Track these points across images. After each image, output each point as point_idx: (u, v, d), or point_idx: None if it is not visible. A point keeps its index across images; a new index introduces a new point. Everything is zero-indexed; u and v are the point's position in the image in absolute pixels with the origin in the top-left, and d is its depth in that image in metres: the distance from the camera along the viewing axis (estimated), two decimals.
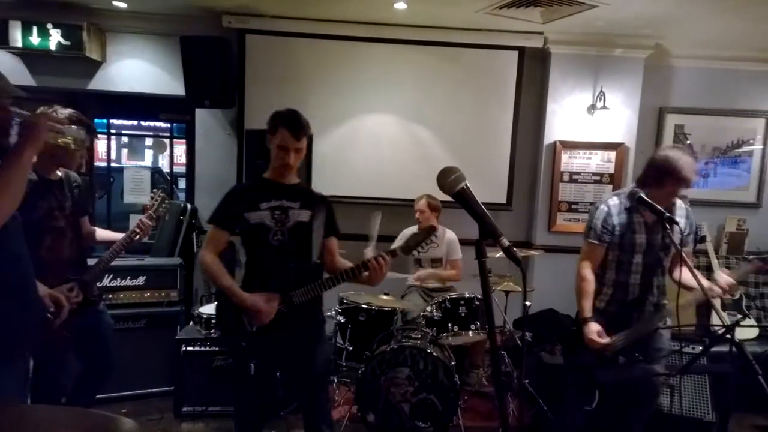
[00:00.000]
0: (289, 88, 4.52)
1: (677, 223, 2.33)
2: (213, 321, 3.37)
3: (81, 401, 2.70)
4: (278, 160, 2.37)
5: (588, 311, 2.58)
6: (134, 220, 2.84)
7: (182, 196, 5.90)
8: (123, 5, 4.26)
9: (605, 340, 2.46)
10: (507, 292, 3.77)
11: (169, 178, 6.19)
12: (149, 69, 4.63)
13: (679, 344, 3.18)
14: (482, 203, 1.43)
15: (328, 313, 3.60)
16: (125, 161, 9.62)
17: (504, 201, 4.71)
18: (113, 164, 6.18)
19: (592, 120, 4.63)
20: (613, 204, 2.59)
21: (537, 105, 4.79)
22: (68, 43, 4.25)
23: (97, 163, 5.52)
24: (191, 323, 3.71)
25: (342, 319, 3.61)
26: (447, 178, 1.41)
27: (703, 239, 4.38)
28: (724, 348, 2.21)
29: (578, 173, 4.69)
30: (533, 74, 4.72)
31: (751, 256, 2.57)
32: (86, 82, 4.59)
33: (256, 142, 3.81)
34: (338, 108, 4.60)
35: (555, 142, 4.66)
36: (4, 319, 1.65)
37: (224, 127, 4.74)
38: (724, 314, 4.02)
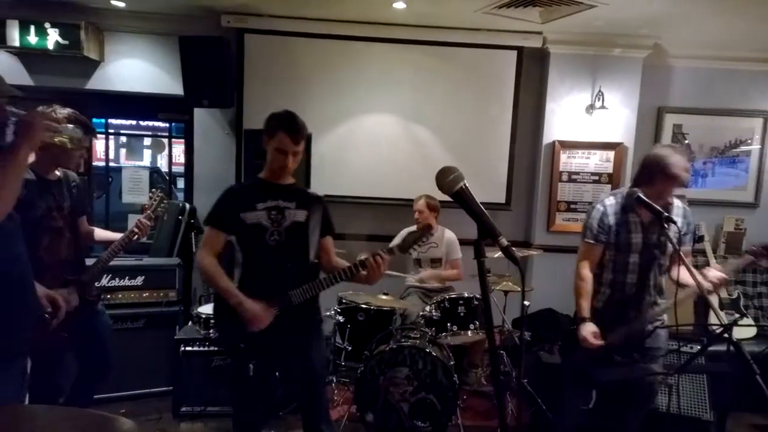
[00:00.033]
0: (287, 88, 4.52)
1: (675, 223, 2.33)
2: (212, 321, 3.36)
3: (79, 401, 2.69)
4: (276, 162, 2.36)
5: (585, 311, 2.60)
6: (133, 219, 2.84)
7: (181, 195, 5.89)
8: (121, 4, 4.26)
9: (599, 341, 2.47)
10: (506, 292, 3.78)
11: (167, 177, 6.17)
12: (148, 68, 4.62)
13: (677, 343, 3.18)
14: (481, 203, 1.43)
15: (327, 313, 3.60)
16: (124, 161, 9.61)
17: (503, 201, 4.71)
18: (112, 164, 6.18)
19: (590, 120, 4.63)
20: (609, 204, 2.61)
21: (536, 105, 4.79)
22: (66, 42, 4.25)
23: (95, 163, 5.51)
24: (190, 323, 3.71)
25: (341, 318, 3.61)
26: (446, 178, 1.41)
27: (701, 239, 4.39)
28: (722, 347, 2.21)
29: (577, 173, 4.70)
30: (532, 74, 4.73)
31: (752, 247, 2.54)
32: (84, 82, 4.59)
33: (254, 142, 3.81)
34: (337, 108, 4.60)
35: (554, 142, 4.67)
36: (2, 318, 1.65)
37: (223, 126, 4.73)
38: (722, 314, 4.03)
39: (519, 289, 3.63)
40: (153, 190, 3.00)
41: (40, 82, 4.52)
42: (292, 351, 2.39)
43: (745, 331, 4.06)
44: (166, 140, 5.47)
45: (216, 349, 3.45)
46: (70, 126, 2.21)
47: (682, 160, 2.44)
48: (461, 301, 3.56)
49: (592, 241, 2.63)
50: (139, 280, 3.75)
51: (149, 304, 3.76)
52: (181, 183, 6.01)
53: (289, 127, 2.33)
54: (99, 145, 6.12)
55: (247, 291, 2.30)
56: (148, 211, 2.85)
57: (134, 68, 4.62)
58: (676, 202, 2.58)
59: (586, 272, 2.64)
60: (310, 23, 4.43)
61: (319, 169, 4.44)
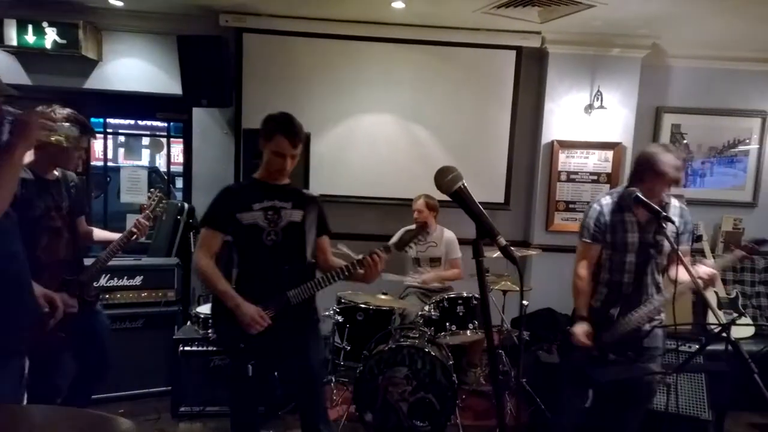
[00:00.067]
0: (286, 88, 4.51)
1: (673, 222, 2.34)
2: (210, 321, 3.36)
3: (77, 401, 2.69)
4: (274, 165, 2.37)
5: (581, 310, 2.62)
6: (131, 219, 2.84)
7: (179, 195, 5.89)
8: (119, 4, 4.25)
9: (589, 341, 2.51)
10: (505, 292, 3.78)
11: (166, 177, 6.17)
12: (146, 68, 4.61)
13: (675, 343, 3.19)
14: (480, 203, 1.43)
15: (326, 313, 3.60)
16: (122, 161, 9.60)
17: (502, 200, 4.72)
18: (110, 164, 6.17)
19: (589, 119, 4.64)
20: (605, 203, 2.62)
21: (534, 104, 4.79)
22: (64, 41, 4.24)
23: (93, 163, 5.50)
24: (189, 323, 3.71)
25: (340, 318, 3.61)
26: (444, 178, 1.42)
27: (699, 238, 4.40)
28: (721, 346, 2.21)
29: (575, 173, 4.70)
30: (531, 74, 4.73)
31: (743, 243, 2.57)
32: (82, 81, 4.58)
33: (253, 142, 3.78)
34: (336, 107, 4.59)
35: (552, 142, 4.67)
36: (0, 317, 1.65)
37: (221, 126, 4.73)
38: (720, 313, 4.04)
39: (518, 288, 3.63)
40: (152, 190, 3.00)
41: (38, 81, 4.51)
42: (291, 351, 2.39)
43: (743, 330, 4.06)
44: (164, 140, 5.47)
45: (214, 349, 3.45)
46: (66, 124, 2.21)
47: (673, 158, 2.44)
48: (460, 301, 3.56)
49: (589, 241, 2.64)
50: (137, 280, 3.74)
51: (148, 304, 3.75)
52: (179, 183, 6.01)
53: (288, 131, 2.32)
54: (97, 144, 6.12)
55: (245, 291, 2.30)
56: (147, 211, 2.85)
57: (132, 68, 4.61)
58: (674, 202, 2.59)
59: (584, 271, 2.65)
60: (309, 23, 4.43)
61: (318, 169, 4.44)
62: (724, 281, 4.44)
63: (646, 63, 4.62)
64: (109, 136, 6.27)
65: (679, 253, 2.27)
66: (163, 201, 2.95)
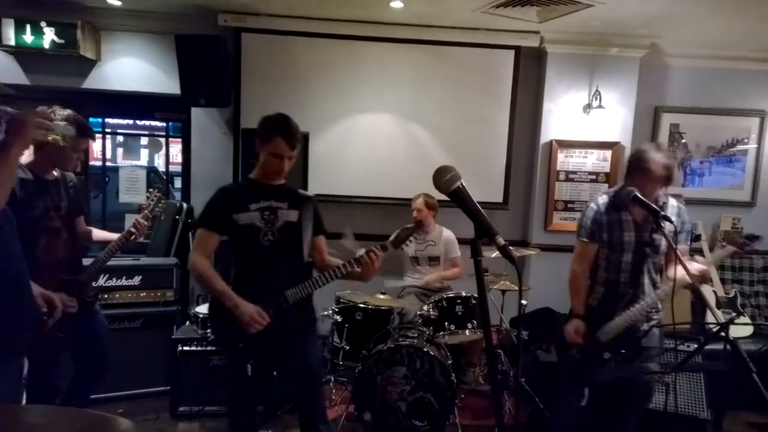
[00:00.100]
0: (285, 87, 4.51)
1: (671, 221, 2.34)
2: (209, 321, 3.36)
3: (76, 401, 2.69)
4: (272, 167, 2.37)
5: (577, 308, 2.64)
6: (130, 219, 2.83)
7: (178, 195, 5.88)
8: (118, 3, 4.24)
9: (580, 339, 2.54)
10: (503, 291, 3.78)
11: (164, 177, 6.17)
12: (144, 67, 4.61)
13: (674, 342, 3.19)
14: (478, 202, 1.43)
15: (325, 312, 3.61)
16: (120, 160, 9.57)
17: (500, 200, 4.72)
18: (108, 163, 6.15)
19: (588, 119, 4.64)
20: (602, 202, 2.63)
21: (533, 104, 4.79)
22: (62, 41, 4.23)
23: (92, 163, 5.49)
24: (187, 323, 3.71)
25: (339, 318, 3.61)
26: (442, 177, 1.41)
27: (697, 238, 4.40)
28: (719, 346, 2.22)
29: (574, 172, 4.70)
30: (529, 73, 4.73)
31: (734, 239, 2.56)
32: (81, 81, 4.57)
33: (252, 142, 3.77)
34: (335, 107, 4.59)
35: (551, 141, 4.67)
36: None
37: (220, 126, 4.72)
38: (718, 312, 4.05)
39: (516, 288, 3.64)
40: (150, 189, 3.00)
41: (37, 81, 4.51)
42: (289, 350, 2.39)
43: (742, 329, 4.07)
44: (163, 140, 5.46)
45: (213, 349, 3.45)
46: (63, 123, 2.21)
47: (662, 156, 2.43)
48: (459, 301, 3.56)
49: (586, 240, 2.66)
50: (136, 280, 3.74)
51: (147, 304, 3.75)
52: (178, 182, 6.01)
53: (286, 132, 2.33)
54: (96, 144, 6.09)
55: (242, 291, 2.30)
56: (146, 211, 2.85)
57: (131, 67, 4.60)
58: (672, 202, 2.59)
59: (580, 270, 2.68)
60: (308, 22, 4.42)
61: (316, 169, 4.44)
62: (723, 281, 4.45)
63: (644, 62, 4.62)
64: (108, 136, 6.25)
65: (678, 253, 2.27)
66: (162, 201, 2.95)
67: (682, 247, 2.54)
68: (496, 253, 1.48)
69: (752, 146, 4.90)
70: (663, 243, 2.52)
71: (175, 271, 3.86)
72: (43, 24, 4.19)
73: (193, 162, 4.80)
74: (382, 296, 3.68)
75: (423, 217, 4.01)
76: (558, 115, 4.67)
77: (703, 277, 2.43)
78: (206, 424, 3.44)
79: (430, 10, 4.13)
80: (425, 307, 3.59)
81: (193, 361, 3.49)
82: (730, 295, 4.32)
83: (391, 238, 2.54)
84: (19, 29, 4.18)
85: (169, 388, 3.58)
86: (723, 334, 2.09)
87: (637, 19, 4.03)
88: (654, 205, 2.34)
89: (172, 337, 3.57)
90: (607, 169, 4.67)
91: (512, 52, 4.59)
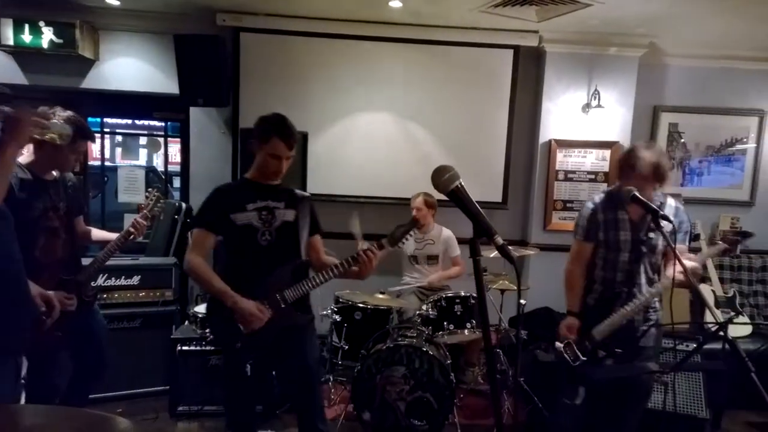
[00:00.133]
0: (284, 87, 4.51)
1: (670, 221, 2.33)
2: (207, 321, 3.36)
3: (75, 401, 2.69)
4: (270, 167, 2.37)
5: (571, 305, 2.67)
6: (129, 219, 2.83)
7: (177, 195, 5.87)
8: (116, 3, 4.24)
9: (571, 337, 2.56)
10: (502, 291, 3.78)
11: (163, 177, 6.17)
12: (143, 67, 4.61)
13: (672, 342, 3.19)
14: (477, 202, 1.43)
15: (324, 312, 3.61)
16: (119, 160, 9.57)
17: (499, 200, 4.72)
18: (107, 163, 6.14)
19: (586, 119, 4.64)
20: (599, 202, 2.64)
21: (532, 104, 4.79)
22: (61, 41, 4.23)
23: (91, 162, 5.49)
24: (186, 322, 3.71)
25: (338, 317, 3.61)
26: (441, 177, 1.41)
27: (696, 237, 4.40)
28: (718, 345, 2.22)
29: (573, 172, 4.71)
30: (528, 73, 4.73)
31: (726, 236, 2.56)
32: (79, 81, 4.56)
33: (250, 141, 3.81)
34: (333, 106, 4.59)
35: (550, 141, 4.67)
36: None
37: (219, 125, 4.72)
38: (717, 312, 4.05)
39: (515, 287, 3.64)
40: (150, 189, 2.99)
41: (35, 81, 4.50)
42: (288, 349, 2.39)
43: (740, 329, 4.07)
44: (161, 139, 5.46)
45: (212, 348, 3.45)
46: (59, 122, 2.20)
47: (651, 155, 2.42)
48: (458, 300, 3.57)
49: (582, 239, 2.66)
50: (135, 280, 3.74)
51: (145, 304, 3.75)
52: (177, 182, 6.00)
53: (284, 133, 2.33)
54: (94, 144, 6.08)
55: (239, 291, 2.30)
56: (145, 211, 2.85)
57: (129, 67, 4.60)
58: (670, 201, 2.59)
59: (575, 269, 2.70)
60: (306, 22, 4.42)
61: (315, 169, 4.43)
62: (722, 280, 4.45)
63: (643, 62, 4.62)
64: (106, 136, 6.24)
65: (677, 252, 2.27)
66: (161, 201, 2.94)
67: (681, 246, 2.53)
68: (495, 253, 1.48)
69: (751, 146, 4.91)
70: (660, 242, 2.52)
71: (174, 270, 3.86)
72: (41, 24, 4.19)
73: (192, 162, 4.79)
74: (381, 296, 3.68)
75: (422, 216, 4.01)
76: (557, 115, 4.67)
77: (694, 275, 2.41)
78: (205, 423, 3.44)
79: (428, 10, 4.13)
80: (424, 307, 3.59)
81: (192, 361, 3.49)
82: (729, 295, 4.33)
83: (388, 236, 2.55)
84: (18, 29, 4.18)
85: (168, 387, 3.58)
86: (722, 333, 2.09)
87: (636, 18, 4.03)
88: (653, 205, 2.34)
89: (171, 336, 3.57)
90: (606, 169, 4.67)
91: (511, 52, 4.59)
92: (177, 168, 5.54)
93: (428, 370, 3.17)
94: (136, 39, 4.58)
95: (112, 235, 2.82)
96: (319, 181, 4.44)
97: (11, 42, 4.20)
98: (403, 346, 3.21)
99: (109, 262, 2.79)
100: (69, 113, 2.46)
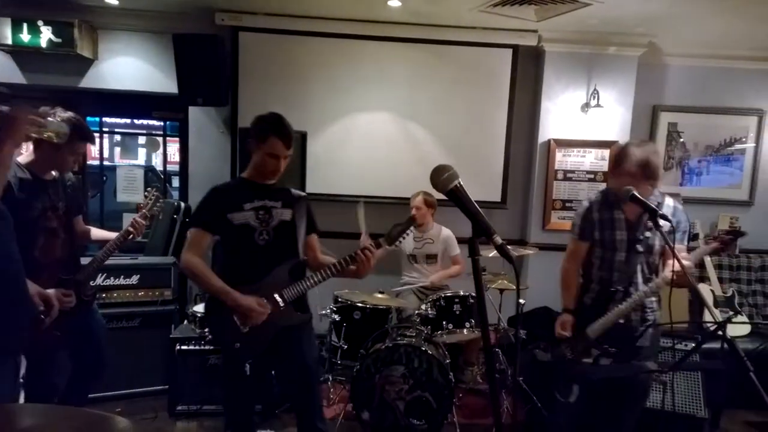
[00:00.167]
0: (283, 87, 4.51)
1: (669, 220, 2.33)
2: (206, 321, 3.36)
3: (74, 400, 2.69)
4: (268, 167, 2.37)
5: (566, 303, 2.68)
6: (127, 218, 2.83)
7: (176, 194, 5.87)
8: (115, 2, 4.23)
9: (566, 333, 2.58)
10: (501, 290, 3.78)
11: (162, 176, 6.17)
12: (142, 67, 4.60)
13: (671, 341, 3.20)
14: (476, 201, 1.43)
15: (323, 312, 3.61)
16: (118, 160, 9.56)
17: (498, 199, 4.72)
18: (106, 162, 6.15)
19: (586, 118, 4.64)
20: (594, 201, 2.64)
21: (531, 103, 4.79)
22: (59, 40, 4.22)
23: (89, 162, 5.49)
24: (185, 322, 3.70)
25: (337, 317, 3.61)
26: (440, 177, 1.42)
27: (695, 237, 4.40)
28: (716, 345, 2.22)
29: (572, 171, 4.71)
30: (527, 72, 4.73)
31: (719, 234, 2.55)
32: (78, 80, 4.56)
33: (248, 141, 3.81)
34: (332, 106, 4.59)
35: (549, 141, 4.68)
36: None
37: (218, 125, 4.72)
38: (716, 311, 4.05)
39: (514, 287, 3.64)
40: (149, 189, 2.99)
41: (34, 80, 4.49)
42: (286, 349, 2.39)
43: (739, 328, 4.08)
44: (160, 139, 5.46)
45: (211, 347, 3.44)
46: (56, 120, 2.20)
47: (641, 152, 2.41)
48: (457, 300, 3.57)
49: (577, 238, 2.68)
50: (134, 279, 3.74)
51: (144, 303, 3.75)
52: (176, 182, 6.00)
53: (282, 132, 2.33)
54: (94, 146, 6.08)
55: (238, 291, 2.30)
56: (144, 210, 2.84)
57: (128, 66, 4.59)
58: (668, 201, 2.58)
59: (571, 267, 2.72)
60: (305, 21, 4.42)
61: (314, 168, 4.43)
62: (721, 280, 4.46)
63: (642, 61, 4.62)
64: (105, 135, 6.25)
65: (675, 251, 2.26)
66: (160, 200, 2.94)
67: (679, 246, 2.52)
68: (494, 252, 1.48)
69: (750, 145, 4.91)
70: (657, 242, 2.52)
71: (173, 270, 3.85)
72: (40, 23, 4.18)
73: (191, 161, 4.79)
74: (380, 295, 3.68)
75: (422, 215, 4.02)
76: (556, 114, 4.67)
77: (687, 274, 2.39)
78: (204, 423, 3.44)
79: (427, 9, 4.13)
80: (423, 306, 3.59)
81: (191, 360, 3.49)
82: (728, 294, 4.33)
83: (385, 235, 2.55)
84: (16, 28, 4.17)
85: (167, 387, 3.58)
86: (720, 332, 2.09)
87: (636, 18, 4.03)
88: (651, 204, 2.33)
89: (170, 336, 3.56)
90: (605, 169, 4.66)
91: (510, 51, 4.59)
92: (176, 167, 5.54)
93: (427, 370, 3.17)
94: (135, 38, 4.58)
95: (112, 235, 2.81)
96: (318, 181, 4.44)
97: (9, 41, 4.19)
98: (402, 346, 3.21)
99: (108, 262, 2.79)
100: (70, 114, 2.45)
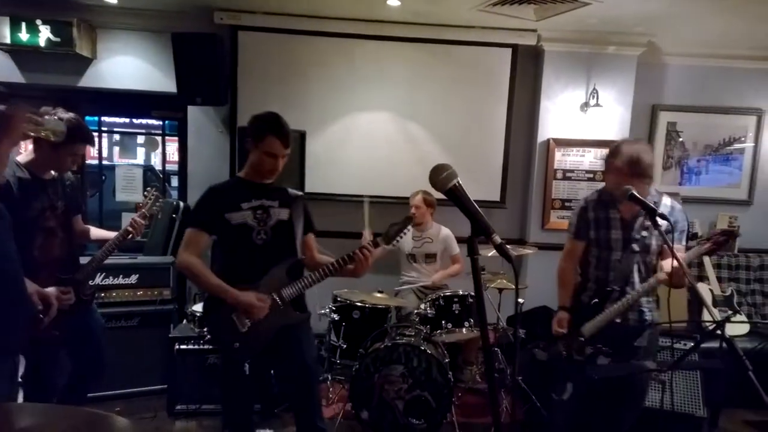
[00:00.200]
0: (282, 86, 4.50)
1: (668, 220, 2.33)
2: (204, 320, 3.36)
3: (73, 400, 2.69)
4: (266, 166, 2.37)
5: (562, 301, 2.70)
6: (126, 218, 2.83)
7: (175, 194, 5.87)
8: (114, 1, 4.22)
9: (562, 330, 2.59)
10: (500, 290, 3.78)
11: (161, 175, 6.16)
12: (141, 66, 4.59)
13: (670, 340, 3.20)
14: (475, 200, 1.43)
15: (322, 311, 3.61)
16: (117, 159, 9.55)
17: (497, 198, 4.72)
18: (105, 162, 6.13)
19: (585, 117, 4.64)
20: (590, 200, 2.65)
21: (530, 102, 4.79)
22: (58, 39, 4.21)
23: (88, 161, 5.48)
24: (184, 321, 3.71)
25: (336, 316, 3.61)
26: (439, 176, 1.42)
27: (694, 236, 4.41)
28: (715, 344, 2.22)
29: (571, 171, 4.71)
30: (527, 72, 4.73)
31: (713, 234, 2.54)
32: (77, 79, 4.55)
33: (246, 140, 3.80)
34: (332, 105, 4.59)
35: (548, 140, 4.68)
36: None
37: (217, 124, 4.71)
38: (714, 310, 4.06)
39: (513, 286, 3.64)
40: (148, 189, 2.99)
41: (32, 79, 4.48)
42: (286, 348, 2.39)
43: (738, 327, 4.08)
44: (159, 138, 5.45)
45: (210, 347, 3.44)
46: (53, 119, 2.19)
47: (632, 150, 2.40)
48: (456, 299, 3.57)
49: (573, 237, 2.69)
50: (133, 279, 3.74)
51: (143, 303, 3.75)
52: (175, 181, 6.00)
53: (279, 131, 2.33)
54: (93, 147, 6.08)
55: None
56: (143, 210, 2.84)
57: (127, 65, 4.58)
58: (665, 201, 2.57)
59: (567, 266, 2.74)
60: (305, 20, 4.41)
61: (314, 168, 4.42)
62: (720, 279, 4.46)
63: (641, 61, 4.62)
64: (104, 135, 6.24)
65: (669, 251, 2.26)
66: (160, 200, 2.94)
67: (677, 246, 2.53)
68: (493, 252, 1.48)
69: (749, 145, 4.91)
70: (653, 242, 2.51)
71: (172, 269, 3.85)
72: (38, 22, 4.17)
73: (190, 160, 4.78)
74: (379, 295, 3.68)
75: (421, 214, 4.02)
76: (555, 114, 4.67)
77: (677, 275, 2.35)
78: (203, 422, 3.44)
79: (427, 8, 4.13)
80: (422, 305, 3.59)
81: (190, 360, 3.49)
82: (727, 294, 4.34)
83: (383, 234, 2.55)
84: (15, 27, 4.16)
85: (166, 386, 3.58)
86: (719, 332, 2.09)
87: (635, 17, 4.03)
88: (651, 204, 2.33)
89: (169, 335, 3.56)
90: (605, 168, 4.67)
91: (509, 51, 4.59)
92: (175, 167, 5.53)
93: (426, 369, 3.18)
94: (134, 37, 4.57)
95: (111, 234, 2.81)
96: (317, 180, 4.43)
97: (8, 40, 4.18)
98: (401, 345, 3.21)
99: (107, 261, 2.79)
100: (71, 115, 2.45)
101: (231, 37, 4.46)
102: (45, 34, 4.19)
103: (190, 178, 4.80)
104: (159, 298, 3.78)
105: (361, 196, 4.54)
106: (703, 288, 4.23)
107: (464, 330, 3.53)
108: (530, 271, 4.64)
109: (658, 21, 4.10)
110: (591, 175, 4.70)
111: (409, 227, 2.54)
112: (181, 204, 4.48)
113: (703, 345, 2.58)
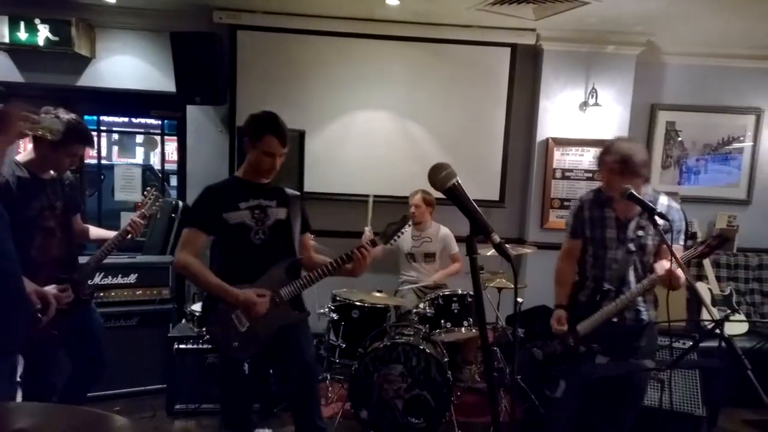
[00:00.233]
0: (281, 85, 4.50)
1: (667, 219, 2.33)
2: (203, 320, 3.35)
3: (72, 400, 2.69)
4: (264, 165, 2.37)
5: (559, 299, 2.71)
6: (125, 217, 2.83)
7: (174, 193, 5.87)
8: (112, 0, 4.22)
9: (562, 327, 2.59)
10: (500, 289, 3.79)
11: (160, 175, 6.16)
12: (140, 65, 4.59)
13: (669, 339, 3.20)
14: (475, 200, 1.43)
15: (321, 310, 3.61)
16: (116, 158, 9.56)
17: (497, 198, 4.72)
18: (104, 161, 6.13)
19: (584, 117, 4.64)
20: (586, 199, 2.66)
21: (529, 102, 4.79)
22: (57, 38, 4.21)
23: (87, 161, 5.48)
24: (183, 321, 3.70)
25: (335, 316, 3.61)
26: (438, 175, 1.42)
27: (693, 236, 4.41)
28: (714, 343, 2.22)
29: (570, 170, 4.71)
30: (525, 71, 4.73)
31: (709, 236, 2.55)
32: (75, 79, 4.55)
33: (243, 140, 3.80)
34: (331, 105, 4.59)
35: (547, 139, 4.68)
36: None
37: (216, 124, 4.71)
38: (714, 310, 4.06)
39: (512, 285, 3.64)
40: (148, 188, 2.98)
41: (31, 78, 4.48)
42: (285, 348, 2.39)
43: (737, 327, 4.09)
44: (158, 137, 5.45)
45: (209, 346, 3.44)
46: (50, 117, 2.19)
47: (624, 148, 2.40)
48: (455, 298, 3.57)
49: (569, 236, 2.70)
50: (132, 278, 3.73)
51: (143, 302, 3.74)
52: (174, 180, 5.99)
53: (277, 131, 2.34)
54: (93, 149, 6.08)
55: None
56: (142, 210, 2.84)
57: (126, 65, 4.58)
58: (661, 199, 2.56)
59: (564, 265, 2.75)
60: (304, 20, 4.41)
61: (313, 167, 4.43)
62: (719, 278, 4.47)
63: (640, 60, 4.63)
64: (103, 134, 6.23)
65: (669, 250, 2.26)
66: (159, 199, 2.94)
67: (674, 246, 2.52)
68: (492, 251, 1.48)
69: (748, 144, 4.92)
70: (650, 241, 2.51)
71: (171, 269, 3.85)
72: (37, 21, 4.17)
73: (189, 160, 4.78)
74: (378, 294, 3.68)
75: (420, 213, 4.03)
76: (554, 113, 4.67)
77: (672, 276, 2.33)
78: (202, 422, 3.44)
79: (426, 8, 4.13)
80: (421, 305, 3.59)
81: (189, 359, 3.48)
82: (726, 293, 4.34)
83: (381, 233, 2.55)
84: (13, 26, 4.16)
85: (165, 386, 3.58)
86: (718, 331, 2.10)
87: (634, 16, 4.04)
88: (649, 203, 2.33)
89: (168, 335, 3.56)
90: (597, 166, 4.67)
91: (508, 50, 4.59)
92: (174, 166, 5.53)
93: (425, 368, 3.18)
94: (133, 36, 4.57)
95: (110, 233, 2.81)
96: (316, 180, 4.43)
97: (7, 39, 4.18)
98: (400, 344, 3.21)
99: (106, 261, 2.79)
100: (71, 115, 2.44)
101: (230, 37, 4.46)
102: (44, 33, 4.19)
103: (189, 178, 4.80)
104: (158, 297, 3.78)
105: (361, 195, 4.56)
106: (702, 287, 4.24)
107: (463, 329, 3.53)
108: (529, 270, 4.64)
109: (657, 20, 4.10)
110: (590, 175, 4.69)
111: (408, 226, 2.54)
112: (180, 203, 4.47)
113: (702, 344, 2.57)
